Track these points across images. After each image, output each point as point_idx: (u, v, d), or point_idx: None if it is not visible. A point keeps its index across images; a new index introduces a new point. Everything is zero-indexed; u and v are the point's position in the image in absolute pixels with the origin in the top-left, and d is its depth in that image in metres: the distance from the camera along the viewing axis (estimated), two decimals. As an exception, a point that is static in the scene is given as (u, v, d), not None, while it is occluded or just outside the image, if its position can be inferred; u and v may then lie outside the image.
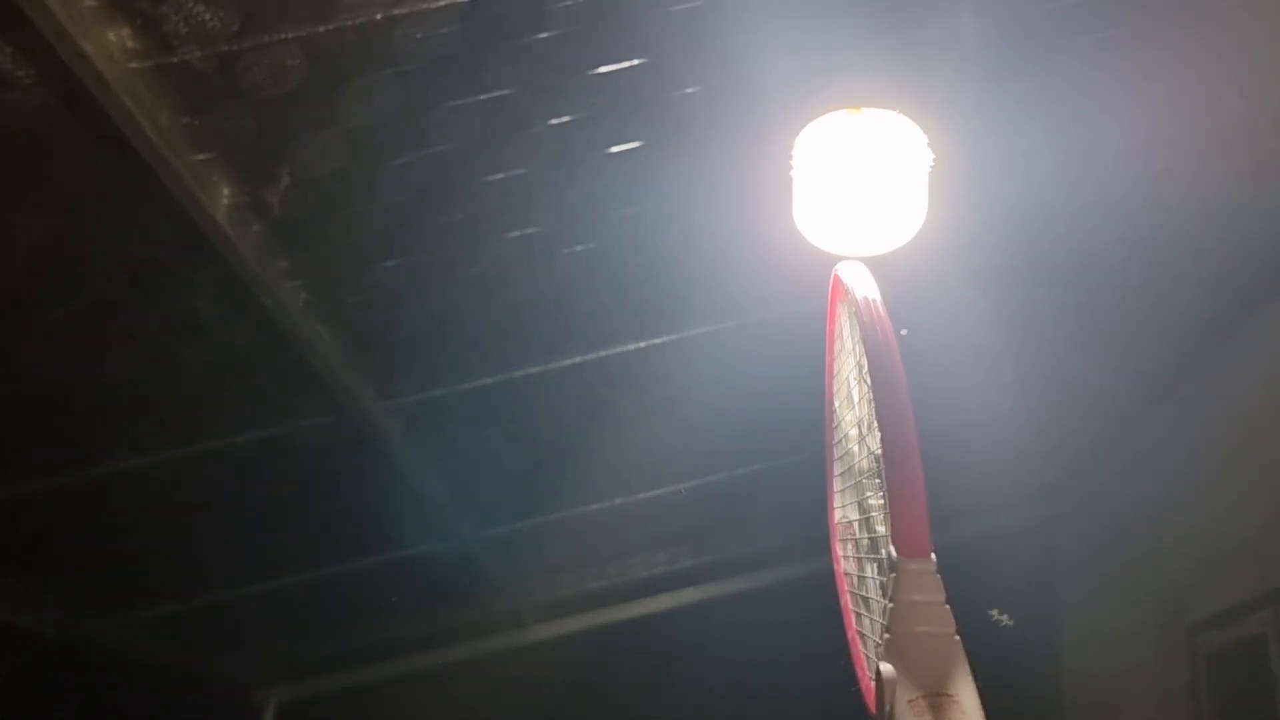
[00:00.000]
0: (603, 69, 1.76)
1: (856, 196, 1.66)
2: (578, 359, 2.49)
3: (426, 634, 3.84)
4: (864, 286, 0.96)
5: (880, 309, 0.93)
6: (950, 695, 0.81)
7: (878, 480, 0.93)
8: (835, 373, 1.15)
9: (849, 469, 1.07)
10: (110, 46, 1.42)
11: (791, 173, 1.67)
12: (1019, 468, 3.55)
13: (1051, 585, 3.94)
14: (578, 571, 3.79)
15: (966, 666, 0.83)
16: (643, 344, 2.51)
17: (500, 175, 1.90)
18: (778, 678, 3.76)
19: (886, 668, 0.82)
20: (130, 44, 1.45)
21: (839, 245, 1.70)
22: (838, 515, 1.15)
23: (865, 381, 0.95)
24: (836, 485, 1.16)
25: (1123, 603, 3.46)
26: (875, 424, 0.91)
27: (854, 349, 1.02)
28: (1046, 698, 3.75)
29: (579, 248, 2.15)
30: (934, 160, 1.63)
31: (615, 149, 1.91)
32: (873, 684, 0.85)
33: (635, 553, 3.78)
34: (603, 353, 2.49)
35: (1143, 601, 3.30)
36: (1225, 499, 2.89)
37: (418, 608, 3.69)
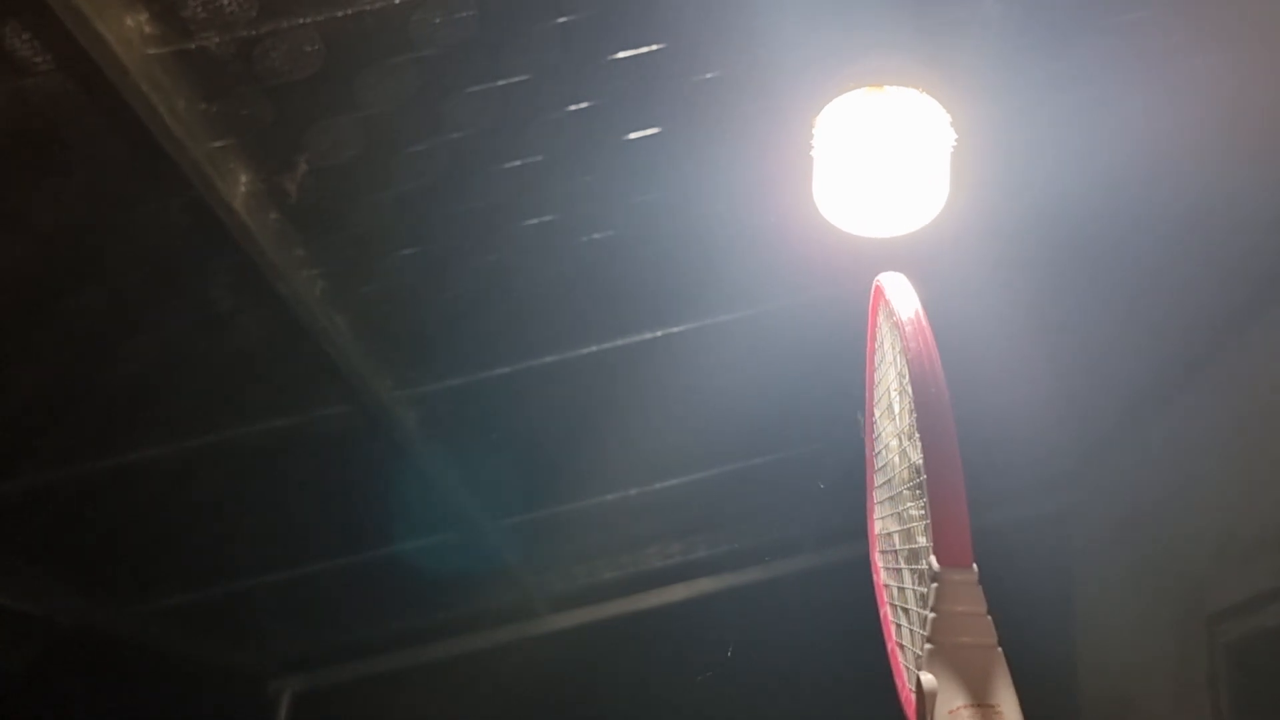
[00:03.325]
0: (621, 54, 1.74)
1: (878, 176, 1.64)
2: (594, 348, 2.48)
3: (441, 624, 3.84)
4: (905, 300, 0.96)
5: (923, 322, 0.93)
6: (993, 706, 0.81)
7: (918, 491, 0.93)
8: (875, 383, 1.15)
9: (889, 480, 1.08)
10: (128, 32, 1.41)
11: (812, 153, 1.66)
12: (1035, 455, 3.54)
13: (1067, 575, 3.92)
14: (592, 562, 3.79)
15: (1009, 678, 0.83)
16: (659, 333, 2.50)
17: (518, 162, 1.89)
18: (793, 667, 3.76)
19: (928, 678, 0.82)
20: (148, 29, 1.44)
21: (860, 226, 1.69)
22: (877, 526, 1.15)
23: (906, 392, 0.95)
24: (876, 496, 1.16)
25: (1140, 592, 3.44)
26: (916, 434, 0.91)
27: (895, 360, 1.02)
28: (1062, 689, 3.74)
29: (596, 235, 2.14)
30: (957, 140, 1.62)
31: (633, 135, 1.90)
32: (913, 695, 0.85)
33: (650, 543, 3.78)
34: (620, 341, 2.47)
35: (1160, 591, 3.28)
36: (1245, 488, 2.86)
37: (432, 598, 3.70)
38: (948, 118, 1.62)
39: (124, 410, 2.22)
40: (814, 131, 1.66)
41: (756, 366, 2.65)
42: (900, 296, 0.98)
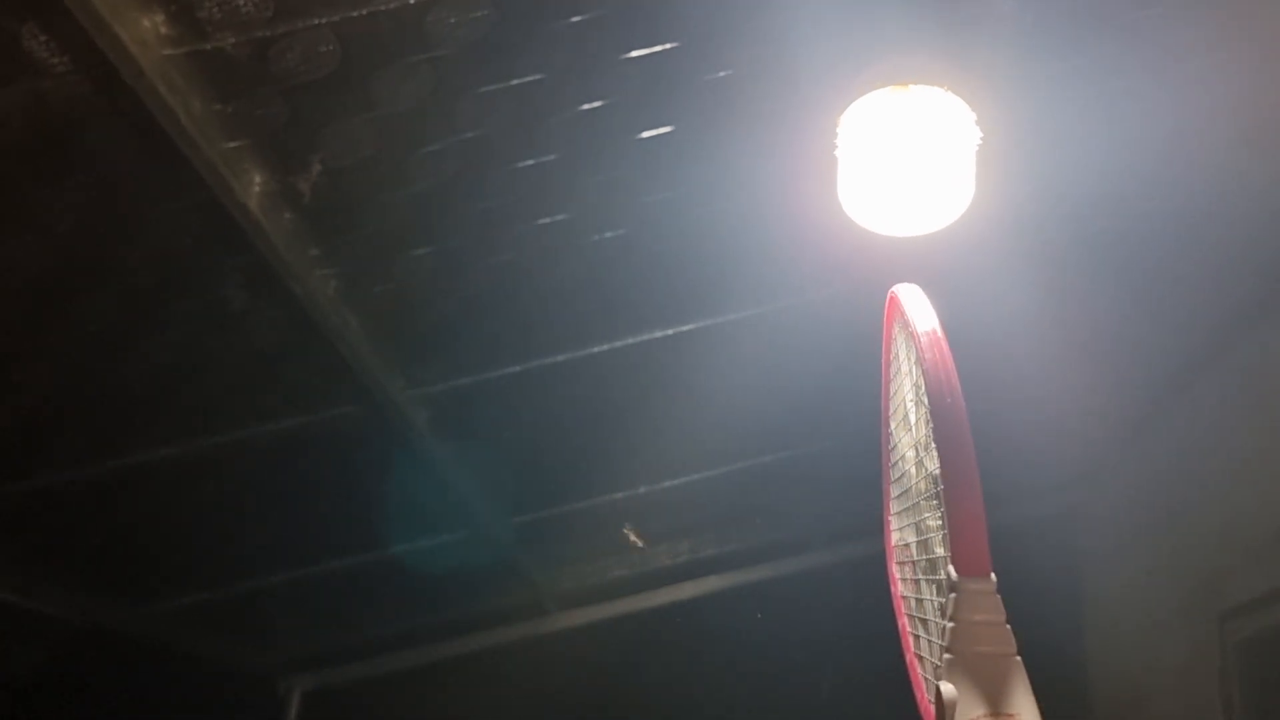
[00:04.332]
0: (635, 53, 1.74)
1: (905, 175, 1.64)
2: (605, 346, 2.48)
3: (450, 623, 3.85)
4: (921, 311, 0.96)
5: (939, 333, 0.93)
6: (1012, 715, 0.81)
7: (935, 501, 0.93)
8: (891, 395, 1.15)
9: (906, 491, 1.08)
10: (145, 33, 1.42)
11: (836, 152, 1.66)
12: (1045, 453, 3.53)
13: (1078, 573, 3.92)
14: (601, 560, 3.79)
15: (1028, 686, 0.83)
16: (670, 331, 2.50)
17: (531, 161, 1.89)
18: (801, 665, 3.76)
19: (947, 688, 0.82)
20: (164, 30, 1.44)
21: (885, 225, 1.69)
22: (894, 538, 1.15)
23: (923, 403, 0.95)
24: (893, 508, 1.16)
25: (1151, 591, 3.44)
26: (933, 444, 0.91)
27: (910, 370, 1.02)
28: (1073, 687, 3.73)
29: (608, 234, 2.14)
30: (982, 138, 1.61)
31: (646, 134, 1.90)
32: (932, 706, 0.85)
33: (659, 541, 3.77)
34: (631, 340, 2.47)
35: (1171, 589, 3.28)
36: (1255, 485, 2.86)
37: (442, 597, 3.70)
38: (973, 115, 1.62)
39: (137, 410, 2.23)
40: (838, 131, 1.66)
41: (769, 364, 2.65)
42: (916, 308, 0.98)
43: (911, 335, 0.97)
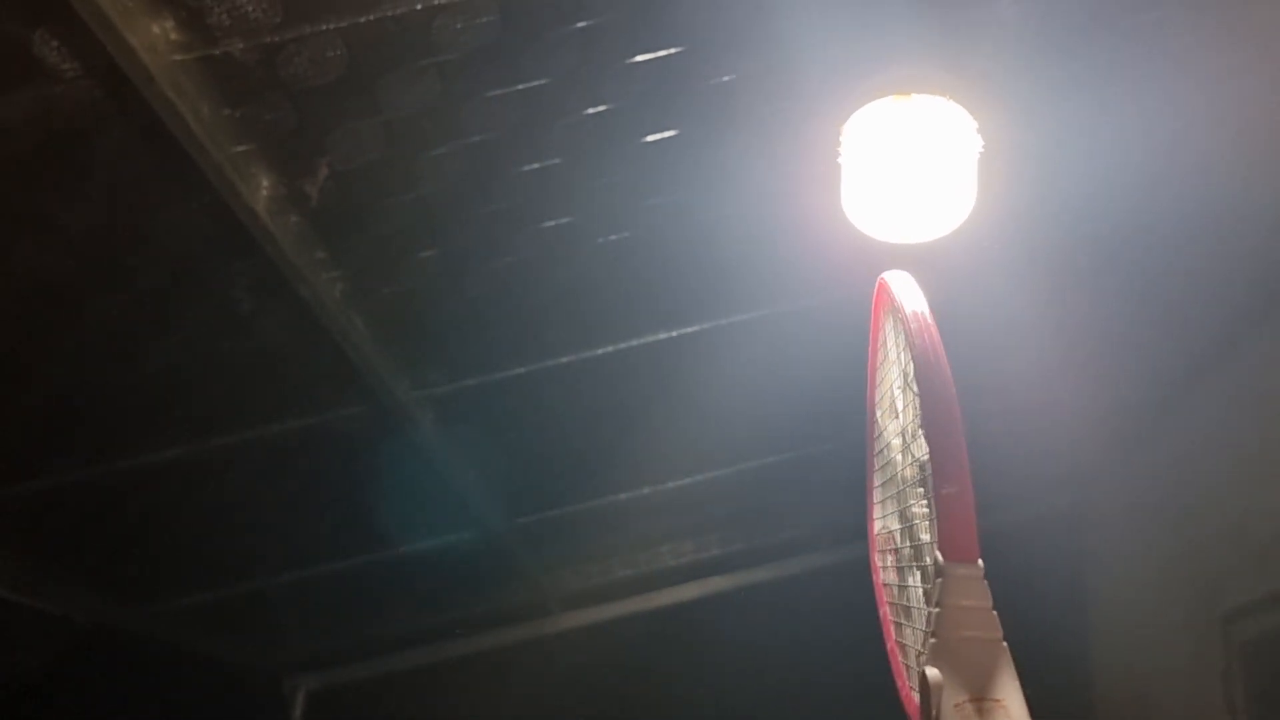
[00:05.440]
0: (640, 58, 1.75)
1: (906, 183, 1.65)
2: (610, 348, 2.49)
3: (455, 623, 3.86)
4: (911, 296, 0.96)
5: (928, 318, 0.93)
6: (998, 700, 0.81)
7: (921, 488, 0.93)
8: (878, 383, 1.14)
9: (891, 478, 1.07)
10: (154, 39, 1.43)
11: (839, 159, 1.67)
12: (1049, 454, 3.54)
13: (1081, 574, 3.92)
14: (606, 560, 3.80)
15: (1014, 672, 0.83)
16: (674, 333, 2.51)
17: (536, 165, 1.90)
18: (805, 666, 3.77)
19: (932, 672, 0.81)
20: (174, 36, 1.45)
21: (888, 232, 1.70)
22: (877, 526, 1.14)
23: (911, 388, 0.95)
24: (877, 496, 1.15)
25: (1154, 591, 3.44)
26: (920, 430, 0.90)
27: (899, 357, 1.02)
28: (1077, 687, 3.74)
29: (613, 237, 2.14)
30: (984, 146, 1.62)
31: (651, 138, 1.91)
32: (914, 694, 0.85)
33: (663, 541, 3.79)
34: (635, 342, 2.48)
35: (1174, 590, 3.28)
36: (1259, 486, 2.86)
37: (446, 597, 3.71)
38: (974, 124, 1.63)
39: (145, 411, 2.24)
40: (841, 139, 1.67)
41: (772, 366, 2.66)
42: (905, 293, 0.97)
43: (901, 320, 0.96)
